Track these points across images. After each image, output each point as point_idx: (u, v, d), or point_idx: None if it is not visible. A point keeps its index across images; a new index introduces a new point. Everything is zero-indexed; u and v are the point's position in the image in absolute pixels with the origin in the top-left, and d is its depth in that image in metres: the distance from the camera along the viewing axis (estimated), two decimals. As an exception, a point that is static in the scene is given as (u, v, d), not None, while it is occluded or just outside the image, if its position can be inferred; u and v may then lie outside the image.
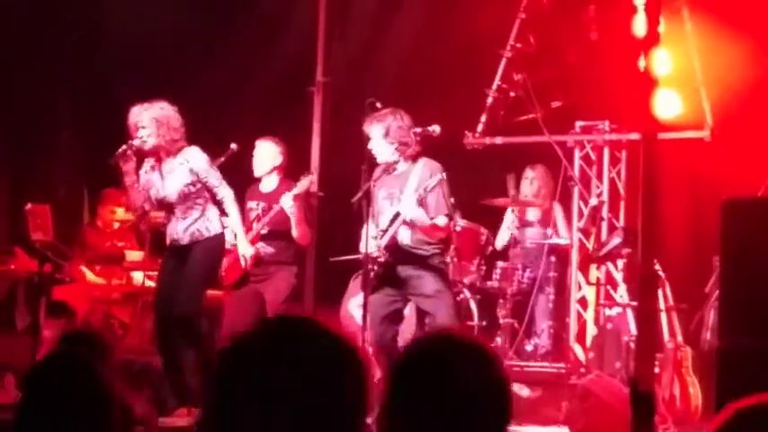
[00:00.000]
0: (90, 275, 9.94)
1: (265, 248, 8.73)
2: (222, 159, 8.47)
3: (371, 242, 7.59)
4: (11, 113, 11.14)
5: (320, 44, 10.22)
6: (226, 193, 7.99)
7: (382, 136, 7.63)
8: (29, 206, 9.67)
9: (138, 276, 9.75)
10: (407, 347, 2.38)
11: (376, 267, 7.60)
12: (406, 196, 7.57)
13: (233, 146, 8.74)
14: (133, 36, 11.12)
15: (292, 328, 2.03)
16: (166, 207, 8.03)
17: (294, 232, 8.65)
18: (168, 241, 8.09)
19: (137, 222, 9.32)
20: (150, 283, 9.60)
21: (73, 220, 11.04)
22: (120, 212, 10.06)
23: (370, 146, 7.68)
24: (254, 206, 8.80)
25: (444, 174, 7.55)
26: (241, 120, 10.57)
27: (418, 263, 7.63)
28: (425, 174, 7.59)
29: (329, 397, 1.96)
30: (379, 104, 7.81)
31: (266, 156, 8.88)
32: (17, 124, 11.21)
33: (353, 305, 9.45)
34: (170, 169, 7.95)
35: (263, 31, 11.49)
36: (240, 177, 8.62)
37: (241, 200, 8.46)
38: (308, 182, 8.66)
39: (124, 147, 7.81)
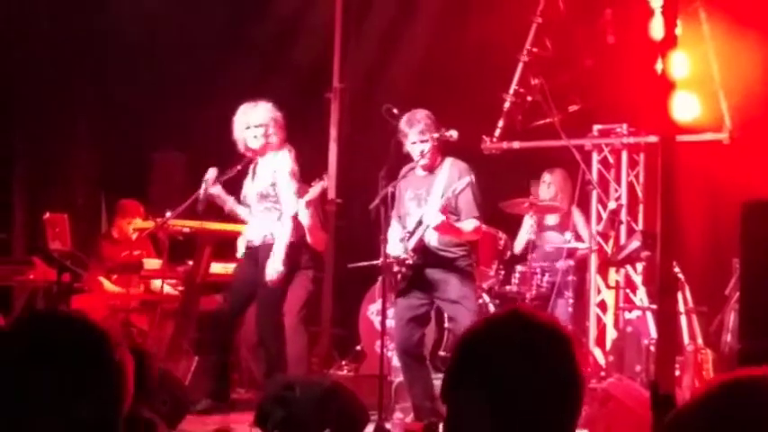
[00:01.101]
0: (107, 284, 9.94)
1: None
2: (239, 167, 8.45)
3: (398, 244, 7.57)
4: (27, 123, 11.17)
5: (336, 50, 10.22)
6: (289, 208, 8.05)
7: (430, 132, 7.57)
8: (47, 215, 9.70)
9: (156, 284, 9.74)
10: (477, 324, 2.21)
11: (403, 269, 7.56)
12: (432, 199, 7.53)
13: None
14: (146, 44, 11.14)
15: (47, 325, 2.05)
16: (247, 206, 8.20)
17: (309, 238, 8.64)
18: (246, 242, 8.25)
19: (155, 230, 9.32)
20: (169, 290, 9.61)
21: (91, 228, 11.05)
22: (138, 222, 10.06)
23: (420, 147, 7.60)
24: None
25: (473, 175, 7.51)
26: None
27: (445, 265, 7.57)
28: (453, 174, 7.54)
29: (83, 391, 1.99)
30: (395, 110, 7.79)
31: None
32: (34, 133, 11.23)
33: (372, 311, 9.45)
34: (261, 166, 8.11)
35: (279, 36, 11.49)
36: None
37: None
38: (319, 188, 8.65)
39: (213, 175, 8.08)
